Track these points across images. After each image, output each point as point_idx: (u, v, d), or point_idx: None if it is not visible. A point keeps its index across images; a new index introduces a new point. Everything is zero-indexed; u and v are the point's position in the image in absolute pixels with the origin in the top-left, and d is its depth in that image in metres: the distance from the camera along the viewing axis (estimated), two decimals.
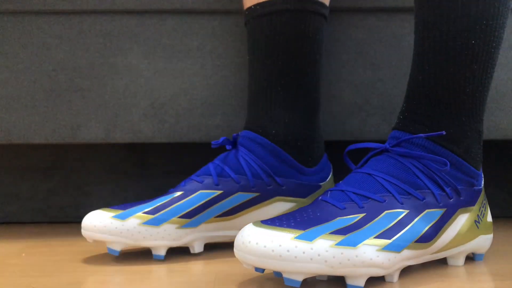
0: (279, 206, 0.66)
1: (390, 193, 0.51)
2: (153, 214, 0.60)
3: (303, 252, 0.45)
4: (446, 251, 0.55)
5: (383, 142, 0.81)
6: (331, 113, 0.76)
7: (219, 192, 0.63)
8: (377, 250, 0.47)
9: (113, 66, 0.76)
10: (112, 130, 0.76)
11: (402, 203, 0.51)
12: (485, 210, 0.58)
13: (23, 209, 0.92)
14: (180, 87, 0.76)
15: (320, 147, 0.70)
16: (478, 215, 0.57)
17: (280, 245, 0.45)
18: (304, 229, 0.46)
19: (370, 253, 0.47)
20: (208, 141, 0.76)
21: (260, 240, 0.45)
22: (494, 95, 0.76)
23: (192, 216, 0.62)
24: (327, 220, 0.48)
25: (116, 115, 0.76)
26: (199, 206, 0.62)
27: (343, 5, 0.75)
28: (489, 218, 0.60)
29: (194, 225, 0.62)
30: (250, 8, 0.67)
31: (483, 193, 0.58)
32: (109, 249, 0.60)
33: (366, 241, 0.47)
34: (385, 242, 0.48)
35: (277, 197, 0.66)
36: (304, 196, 0.68)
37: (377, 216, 0.49)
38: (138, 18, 0.76)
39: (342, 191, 0.52)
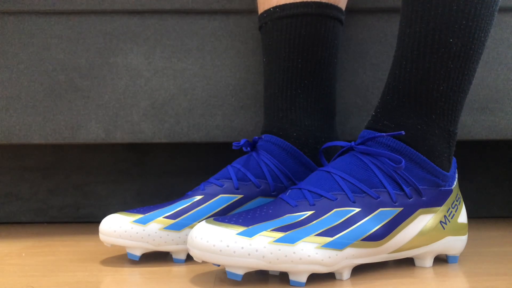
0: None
1: (344, 191, 0.52)
2: (174, 218, 0.59)
3: (242, 248, 0.47)
4: (407, 251, 0.55)
5: None
6: None
7: (239, 196, 0.62)
8: (317, 248, 0.49)
9: (113, 66, 0.76)
10: (112, 130, 0.76)
11: (354, 201, 0.52)
12: (455, 211, 0.58)
13: (23, 209, 0.92)
14: (180, 87, 0.76)
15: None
16: (445, 215, 0.56)
17: (221, 241, 0.47)
18: (248, 225, 0.48)
19: (308, 250, 0.48)
20: (208, 141, 0.76)
21: (204, 235, 0.48)
22: (494, 95, 0.76)
23: None
24: (276, 216, 0.50)
25: (116, 115, 0.76)
26: (220, 210, 0.61)
27: None
28: (462, 219, 0.59)
29: None
30: (268, 10, 0.67)
31: (454, 194, 0.58)
32: (129, 254, 0.59)
33: (306, 239, 0.48)
34: (326, 239, 0.49)
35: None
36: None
37: (326, 214, 0.51)
38: (138, 18, 0.76)
39: (300, 189, 0.53)
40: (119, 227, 0.58)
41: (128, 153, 0.92)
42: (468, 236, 0.64)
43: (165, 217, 0.59)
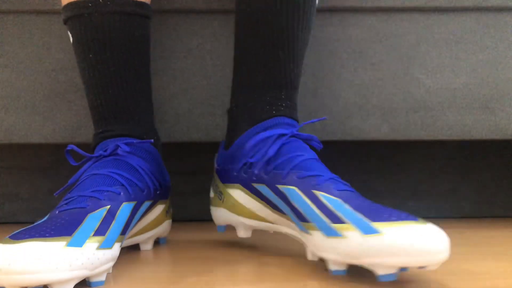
0: (157, 210, 0.66)
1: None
2: (103, 234, 0.51)
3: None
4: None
5: (383, 141, 0.80)
6: (331, 113, 0.76)
7: (135, 202, 0.58)
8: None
9: None
10: None
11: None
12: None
13: (23, 209, 0.92)
14: (180, 87, 0.76)
15: None
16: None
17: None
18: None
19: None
20: (208, 141, 0.76)
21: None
22: (495, 95, 0.76)
23: (125, 232, 0.56)
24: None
25: None
26: (128, 220, 0.57)
27: (343, 5, 0.75)
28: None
29: (123, 240, 0.56)
30: (66, 5, 0.64)
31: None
32: None
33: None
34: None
35: (159, 201, 0.66)
36: (167, 198, 0.69)
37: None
38: None
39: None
40: (51, 257, 0.44)
41: None
42: (469, 236, 0.64)
43: (94, 235, 0.49)
